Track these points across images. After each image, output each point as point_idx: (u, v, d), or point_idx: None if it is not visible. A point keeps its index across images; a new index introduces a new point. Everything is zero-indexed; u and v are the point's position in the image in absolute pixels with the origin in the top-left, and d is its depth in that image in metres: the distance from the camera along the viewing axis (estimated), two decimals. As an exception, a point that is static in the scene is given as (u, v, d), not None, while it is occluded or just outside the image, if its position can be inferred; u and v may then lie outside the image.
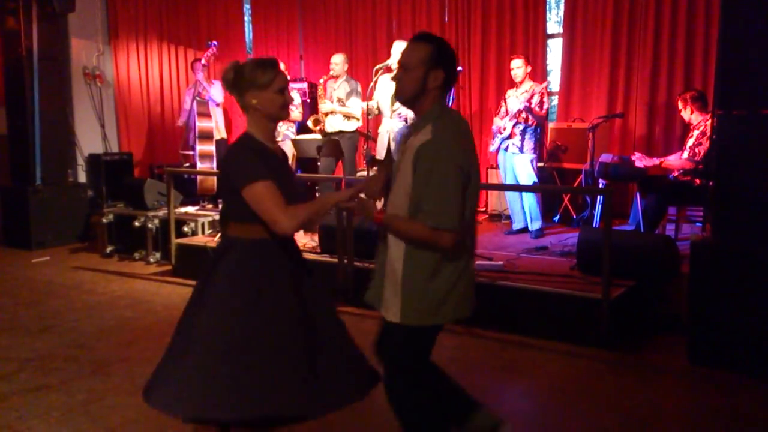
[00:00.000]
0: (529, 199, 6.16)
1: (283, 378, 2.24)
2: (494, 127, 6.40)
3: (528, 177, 6.10)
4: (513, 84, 6.35)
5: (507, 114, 6.21)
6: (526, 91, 5.99)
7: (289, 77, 7.55)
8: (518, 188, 6.38)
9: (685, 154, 5.36)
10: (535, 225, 6.11)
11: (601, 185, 5.81)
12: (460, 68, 6.31)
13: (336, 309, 2.60)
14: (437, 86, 2.20)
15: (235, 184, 2.30)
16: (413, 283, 2.22)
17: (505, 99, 6.40)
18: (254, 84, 2.35)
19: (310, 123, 7.23)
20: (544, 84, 6.11)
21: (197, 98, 7.84)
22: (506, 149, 6.21)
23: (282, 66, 7.39)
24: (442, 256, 2.21)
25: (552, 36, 7.87)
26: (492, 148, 6.39)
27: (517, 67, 6.13)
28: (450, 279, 2.24)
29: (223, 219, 2.51)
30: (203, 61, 7.78)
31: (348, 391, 2.39)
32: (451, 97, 6.02)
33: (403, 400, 2.35)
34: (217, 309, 2.31)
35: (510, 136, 6.12)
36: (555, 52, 8.28)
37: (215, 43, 7.89)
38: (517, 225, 6.37)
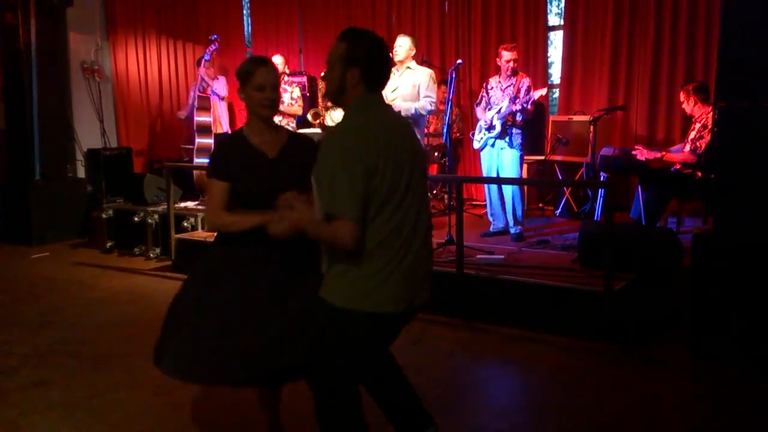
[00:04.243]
0: (513, 200, 5.73)
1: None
2: (482, 123, 5.83)
3: (514, 174, 5.76)
4: (496, 72, 5.87)
5: (489, 105, 5.79)
6: (512, 84, 5.70)
7: (288, 71, 7.59)
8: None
9: (687, 147, 5.35)
10: (516, 229, 5.74)
11: (602, 178, 5.79)
12: (460, 61, 6.20)
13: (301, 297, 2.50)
14: (355, 84, 2.17)
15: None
16: (343, 265, 2.16)
17: (486, 89, 5.89)
18: (240, 78, 2.50)
19: (309, 116, 7.22)
20: (528, 80, 5.76)
21: (198, 93, 7.85)
22: (492, 145, 5.78)
23: (279, 60, 7.23)
24: (370, 245, 2.12)
25: (553, 28, 7.84)
26: (478, 145, 5.90)
27: (514, 59, 5.67)
28: (377, 268, 2.12)
29: None
30: (207, 57, 7.77)
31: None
32: (451, 91, 5.91)
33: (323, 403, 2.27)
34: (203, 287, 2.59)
35: (501, 136, 5.69)
36: (556, 44, 8.26)
37: (216, 37, 7.89)
38: (496, 226, 5.96)
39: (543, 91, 5.79)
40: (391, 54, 2.25)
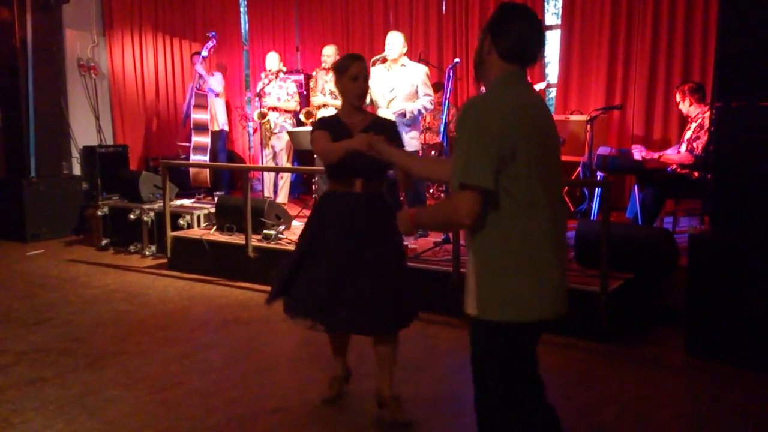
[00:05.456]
0: None
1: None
2: None
3: None
4: None
5: None
6: None
7: (285, 68, 7.58)
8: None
9: (683, 148, 5.35)
10: None
11: (599, 178, 5.79)
12: (457, 59, 6.21)
13: (390, 254, 3.00)
14: (488, 51, 2.05)
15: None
16: (480, 273, 2.03)
17: None
18: (337, 70, 3.00)
19: (302, 116, 7.20)
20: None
21: (196, 90, 7.83)
22: None
23: (274, 57, 7.22)
24: (499, 245, 1.98)
25: (550, 27, 7.83)
26: None
27: None
28: (504, 272, 1.98)
29: None
30: (204, 53, 7.77)
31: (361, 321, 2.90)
32: (449, 89, 5.90)
33: (483, 409, 2.14)
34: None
35: None
36: (553, 44, 8.25)
37: (214, 33, 7.88)
38: None
39: (542, 85, 5.78)
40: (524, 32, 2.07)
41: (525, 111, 1.98)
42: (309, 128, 6.94)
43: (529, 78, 5.12)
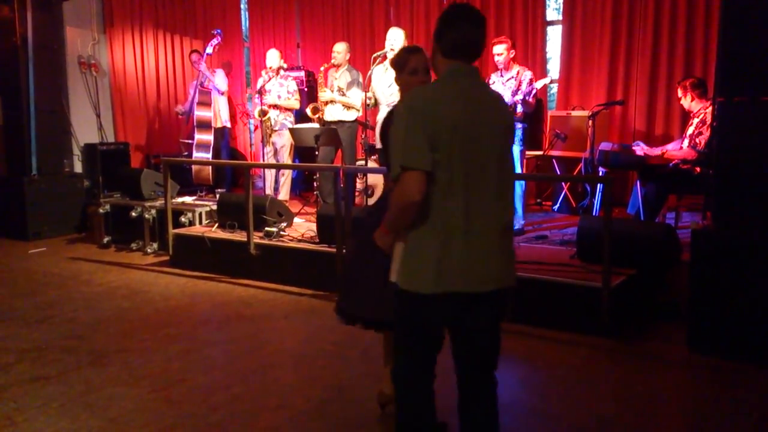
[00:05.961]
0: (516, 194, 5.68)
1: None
2: None
3: (516, 169, 5.68)
4: (494, 67, 5.95)
5: None
6: (512, 77, 5.70)
7: (285, 65, 7.55)
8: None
9: (685, 143, 5.34)
10: (517, 224, 5.68)
11: (601, 173, 5.78)
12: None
13: None
14: (435, 51, 2.25)
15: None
16: (405, 248, 2.22)
17: (488, 84, 5.91)
18: (396, 66, 2.82)
19: (308, 111, 7.18)
20: (530, 73, 5.76)
21: (199, 88, 7.81)
22: None
23: (275, 54, 7.19)
24: (417, 221, 2.14)
25: (551, 23, 7.81)
26: None
27: (499, 54, 5.75)
28: (415, 246, 2.17)
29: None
30: (209, 50, 7.74)
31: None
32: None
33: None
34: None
35: None
36: (554, 39, 8.24)
37: (219, 31, 7.86)
38: None
39: (546, 80, 5.78)
40: (469, 26, 2.23)
41: (454, 102, 2.11)
42: (311, 125, 6.94)
43: (530, 70, 5.00)
